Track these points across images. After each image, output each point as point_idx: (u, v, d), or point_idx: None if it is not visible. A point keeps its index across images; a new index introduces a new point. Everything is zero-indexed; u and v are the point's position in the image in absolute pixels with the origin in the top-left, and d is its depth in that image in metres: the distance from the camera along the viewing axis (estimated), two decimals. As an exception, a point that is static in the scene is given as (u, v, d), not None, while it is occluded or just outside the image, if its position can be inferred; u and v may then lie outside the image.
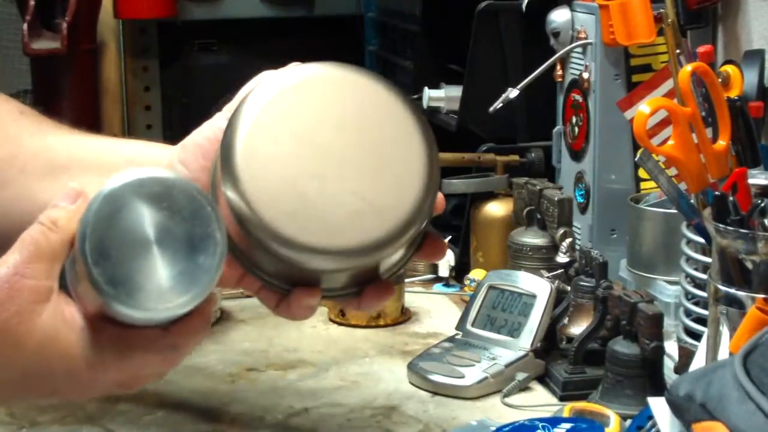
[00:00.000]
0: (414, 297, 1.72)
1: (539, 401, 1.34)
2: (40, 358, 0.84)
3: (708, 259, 1.22)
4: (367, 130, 0.86)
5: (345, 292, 0.96)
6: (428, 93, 1.96)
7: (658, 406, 1.04)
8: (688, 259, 1.30)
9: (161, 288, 0.80)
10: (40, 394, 0.88)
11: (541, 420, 1.14)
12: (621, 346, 1.28)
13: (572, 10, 1.63)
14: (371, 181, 0.87)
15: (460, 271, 1.76)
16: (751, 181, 1.20)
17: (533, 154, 1.75)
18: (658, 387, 1.25)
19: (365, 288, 0.95)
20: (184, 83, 2.78)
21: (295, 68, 0.90)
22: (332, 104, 0.87)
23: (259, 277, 0.93)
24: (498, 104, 1.66)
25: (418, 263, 1.83)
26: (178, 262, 0.81)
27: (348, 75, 0.88)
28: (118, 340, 0.85)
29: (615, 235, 1.59)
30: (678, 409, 0.96)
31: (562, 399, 1.33)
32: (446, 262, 1.76)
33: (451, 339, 1.46)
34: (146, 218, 0.81)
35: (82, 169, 1.04)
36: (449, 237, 1.79)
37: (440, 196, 0.93)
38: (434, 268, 1.79)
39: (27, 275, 0.84)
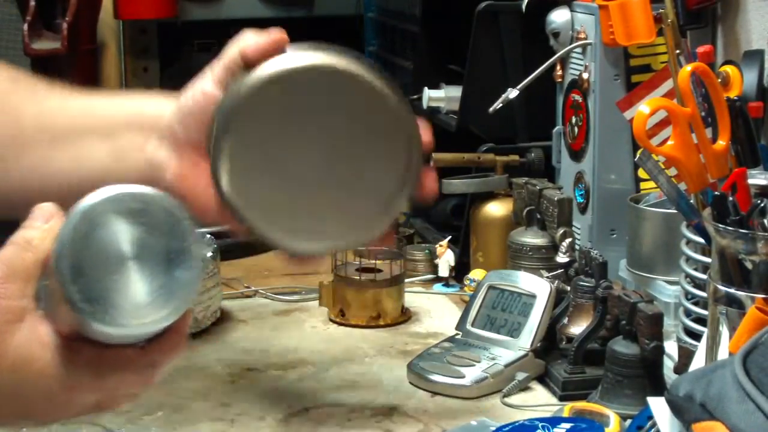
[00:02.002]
0: (414, 297, 1.72)
1: (539, 401, 1.34)
2: (14, 378, 0.82)
3: (708, 259, 1.23)
4: (349, 129, 0.87)
5: None
6: (428, 93, 1.96)
7: (658, 406, 1.05)
8: (688, 259, 1.30)
9: (138, 304, 0.80)
10: (14, 415, 0.86)
11: (541, 420, 1.14)
12: (621, 346, 1.28)
13: (572, 10, 1.63)
14: (348, 186, 0.88)
15: (460, 271, 1.76)
16: (750, 181, 1.20)
17: (533, 154, 1.75)
18: (657, 387, 1.25)
19: None
20: (184, 83, 2.78)
21: (278, 61, 0.91)
22: (315, 107, 0.89)
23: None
24: (498, 104, 1.66)
25: (419, 263, 1.83)
26: (156, 278, 0.80)
27: (328, 66, 0.87)
28: (95, 360, 0.83)
29: (615, 235, 1.59)
30: (678, 409, 0.96)
31: (561, 399, 1.33)
32: (446, 262, 1.76)
33: (451, 339, 1.46)
34: (123, 234, 0.80)
35: (83, 134, 1.04)
36: (449, 237, 1.79)
37: (426, 138, 0.93)
38: (434, 268, 1.79)
39: (0, 295, 0.82)
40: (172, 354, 0.86)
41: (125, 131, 1.04)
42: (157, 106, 1.05)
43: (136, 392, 0.88)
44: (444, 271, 1.76)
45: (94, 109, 1.07)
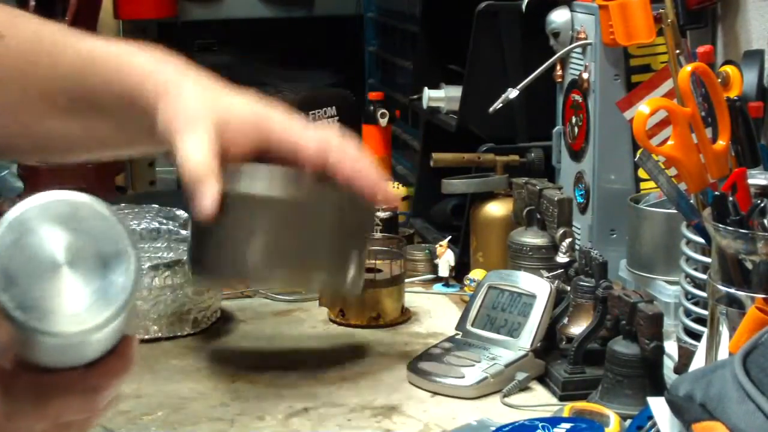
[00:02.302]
0: (414, 297, 1.72)
1: (539, 401, 1.34)
2: None
3: (708, 259, 1.23)
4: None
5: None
6: (428, 93, 1.96)
7: (658, 406, 1.05)
8: (688, 259, 1.30)
9: (75, 309, 0.78)
10: None
11: (541, 420, 1.14)
12: (621, 346, 1.28)
13: (572, 10, 1.63)
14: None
15: (460, 271, 1.76)
16: (750, 181, 1.20)
17: (533, 154, 1.75)
18: (657, 387, 1.25)
19: None
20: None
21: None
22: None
23: None
24: (498, 104, 1.66)
25: (419, 263, 1.83)
26: (92, 282, 0.78)
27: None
28: (34, 384, 0.80)
29: (615, 235, 1.59)
30: (678, 409, 0.96)
31: (561, 399, 1.33)
32: (446, 262, 1.76)
33: (451, 339, 1.46)
34: (54, 241, 0.79)
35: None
36: (449, 237, 1.79)
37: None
38: (434, 268, 1.79)
39: None
40: (117, 378, 0.83)
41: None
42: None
43: (85, 421, 0.84)
44: (444, 271, 1.76)
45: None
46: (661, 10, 1.45)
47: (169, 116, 0.89)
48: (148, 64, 0.93)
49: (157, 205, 1.84)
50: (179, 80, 0.92)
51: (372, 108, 2.28)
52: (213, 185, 0.85)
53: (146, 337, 1.55)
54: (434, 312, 1.67)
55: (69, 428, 0.84)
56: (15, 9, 1.00)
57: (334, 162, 0.90)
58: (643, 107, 1.22)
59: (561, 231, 1.53)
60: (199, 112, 0.89)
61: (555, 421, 1.15)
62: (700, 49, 1.42)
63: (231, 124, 0.90)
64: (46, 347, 0.80)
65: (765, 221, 1.12)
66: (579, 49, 1.61)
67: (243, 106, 0.92)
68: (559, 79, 1.67)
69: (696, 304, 1.30)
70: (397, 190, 2.12)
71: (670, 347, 1.32)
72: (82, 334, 0.79)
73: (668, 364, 1.32)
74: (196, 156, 0.86)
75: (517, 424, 1.15)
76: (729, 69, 1.44)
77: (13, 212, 0.79)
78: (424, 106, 1.96)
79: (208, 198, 0.84)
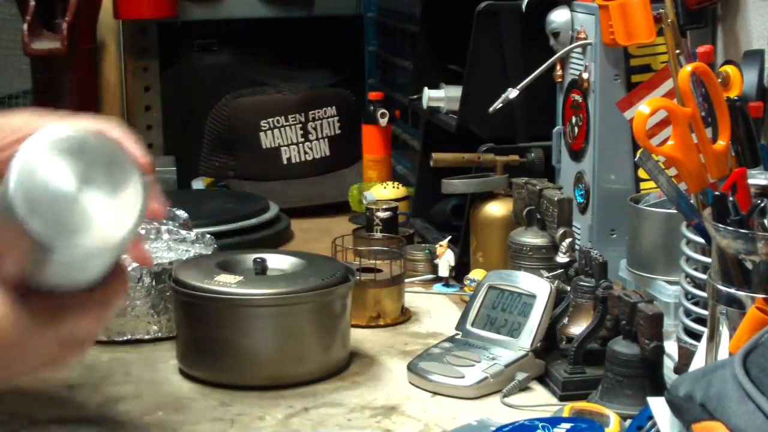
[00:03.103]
0: (414, 297, 1.72)
1: (539, 401, 1.34)
2: None
3: (708, 259, 1.23)
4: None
5: None
6: (428, 93, 1.96)
7: (658, 406, 1.05)
8: (688, 259, 1.30)
9: (97, 228, 0.87)
10: None
11: (541, 420, 1.14)
12: (621, 346, 1.28)
13: (572, 10, 1.63)
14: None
15: (460, 271, 1.76)
16: (750, 181, 1.20)
17: (533, 154, 1.75)
18: (657, 387, 1.25)
19: None
20: (184, 83, 2.78)
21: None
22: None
23: None
24: (498, 104, 1.66)
25: (419, 263, 1.83)
26: (105, 204, 0.88)
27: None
28: (48, 306, 0.90)
29: (615, 235, 1.59)
30: (678, 409, 0.96)
31: (561, 399, 1.33)
32: (446, 262, 1.76)
33: (451, 339, 1.46)
34: (68, 169, 0.87)
35: None
36: (449, 237, 1.79)
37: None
38: (434, 268, 1.79)
39: None
40: (120, 293, 0.94)
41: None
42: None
43: (90, 337, 0.94)
44: (444, 271, 1.76)
45: None
46: (661, 10, 1.45)
47: None
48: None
49: (157, 205, 1.85)
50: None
51: (372, 108, 2.28)
52: None
53: (146, 337, 1.55)
54: (434, 312, 1.67)
55: (76, 346, 0.94)
56: None
57: None
58: (643, 107, 1.22)
59: (561, 231, 1.53)
60: None
61: (555, 421, 1.15)
62: (700, 49, 1.42)
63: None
64: (64, 267, 0.89)
65: (765, 221, 1.12)
66: (579, 49, 1.61)
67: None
68: (559, 79, 1.67)
69: (696, 304, 1.30)
70: (397, 190, 2.13)
71: (670, 347, 1.32)
72: (102, 249, 0.89)
73: (668, 364, 1.32)
74: None
75: (517, 424, 1.15)
76: (729, 69, 1.44)
77: (27, 147, 0.87)
78: (424, 106, 1.96)
79: None
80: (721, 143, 1.25)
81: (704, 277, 1.22)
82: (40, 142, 0.87)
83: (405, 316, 1.64)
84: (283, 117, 2.39)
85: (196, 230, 1.74)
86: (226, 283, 1.40)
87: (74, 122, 0.95)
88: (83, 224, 0.87)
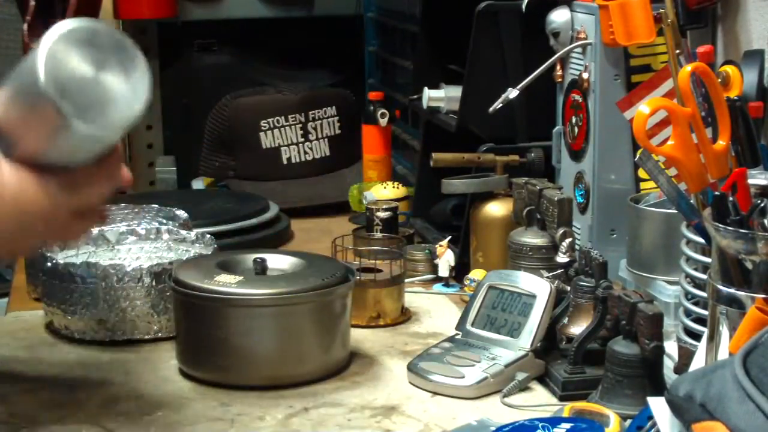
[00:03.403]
0: (414, 297, 1.72)
1: (539, 401, 1.34)
2: (16, 210, 1.03)
3: (708, 259, 1.23)
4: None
5: None
6: (428, 93, 1.96)
7: (658, 406, 1.05)
8: (688, 259, 1.30)
9: (117, 104, 1.01)
10: (26, 242, 1.10)
11: (541, 420, 1.14)
12: (621, 346, 1.28)
13: (572, 10, 1.63)
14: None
15: (460, 271, 1.76)
16: (750, 181, 1.20)
17: (533, 154, 1.75)
18: (657, 387, 1.25)
19: None
20: (184, 83, 2.78)
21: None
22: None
23: None
24: (498, 104, 1.66)
25: (419, 263, 1.83)
26: (120, 84, 1.01)
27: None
28: (68, 178, 1.04)
29: (615, 235, 1.59)
30: (678, 409, 0.96)
31: (561, 399, 1.33)
32: (446, 262, 1.76)
33: (451, 339, 1.46)
34: (85, 56, 1.00)
35: None
36: (449, 237, 1.79)
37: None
38: (434, 268, 1.79)
39: None
40: (119, 167, 1.08)
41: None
42: None
43: (99, 211, 1.10)
44: (444, 271, 1.76)
45: None
46: (661, 10, 1.45)
47: None
48: None
49: (157, 205, 1.85)
50: None
51: (372, 108, 2.28)
52: None
53: (146, 337, 1.55)
54: (434, 312, 1.67)
55: (86, 218, 1.09)
56: None
57: None
58: (643, 107, 1.21)
59: (561, 231, 1.53)
60: None
61: (555, 421, 1.15)
62: (700, 49, 1.42)
63: None
64: (80, 143, 1.02)
65: (765, 221, 1.12)
66: (579, 49, 1.61)
67: None
68: (559, 79, 1.67)
69: (696, 304, 1.30)
70: (397, 190, 2.13)
71: (670, 347, 1.32)
72: (119, 125, 1.02)
73: (668, 364, 1.32)
74: None
75: (517, 424, 1.15)
76: (729, 69, 1.44)
77: (48, 39, 1.00)
78: (424, 106, 1.96)
79: None
80: (721, 143, 1.25)
81: (704, 277, 1.22)
82: (58, 34, 1.00)
83: (405, 316, 1.64)
84: (283, 117, 2.39)
85: (196, 230, 1.74)
86: (226, 283, 1.40)
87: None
88: (106, 102, 1.00)
